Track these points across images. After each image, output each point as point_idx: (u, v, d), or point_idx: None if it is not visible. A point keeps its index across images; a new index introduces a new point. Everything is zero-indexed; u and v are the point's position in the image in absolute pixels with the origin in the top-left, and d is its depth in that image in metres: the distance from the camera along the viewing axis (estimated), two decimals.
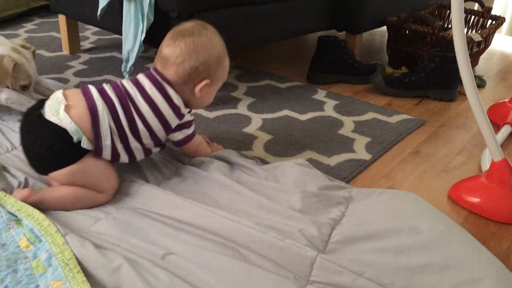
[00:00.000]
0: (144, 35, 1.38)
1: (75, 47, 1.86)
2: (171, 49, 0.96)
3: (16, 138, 1.11)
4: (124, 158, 0.96)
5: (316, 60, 1.75)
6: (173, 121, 0.97)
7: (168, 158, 1.09)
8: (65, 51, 1.85)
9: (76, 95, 0.92)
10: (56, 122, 0.87)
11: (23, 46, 1.26)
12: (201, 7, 1.22)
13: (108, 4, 1.44)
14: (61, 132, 0.87)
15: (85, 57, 1.83)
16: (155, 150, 1.00)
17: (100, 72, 1.69)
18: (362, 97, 1.65)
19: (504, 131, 1.40)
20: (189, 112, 1.01)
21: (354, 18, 1.88)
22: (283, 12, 1.65)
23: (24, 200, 0.87)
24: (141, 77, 0.97)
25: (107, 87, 0.95)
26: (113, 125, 0.91)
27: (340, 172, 1.15)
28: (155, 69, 0.98)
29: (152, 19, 1.36)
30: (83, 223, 0.85)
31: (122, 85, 0.96)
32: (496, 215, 1.03)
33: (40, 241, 0.78)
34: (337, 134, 1.35)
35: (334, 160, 1.20)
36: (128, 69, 1.44)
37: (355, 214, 0.92)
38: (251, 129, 1.35)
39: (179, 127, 1.00)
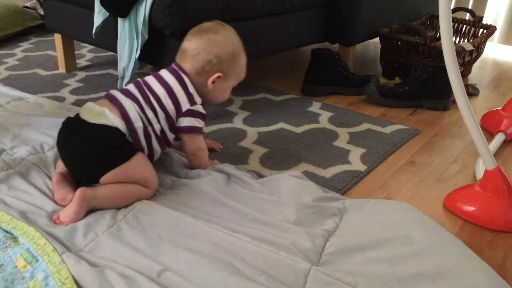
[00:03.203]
0: (139, 52, 1.39)
1: (71, 65, 1.87)
2: (189, 43, 1.07)
3: (11, 160, 1.10)
4: (155, 144, 1.03)
5: (310, 72, 1.76)
6: (184, 105, 1.04)
7: (164, 173, 1.09)
8: (61, 69, 1.86)
9: (104, 101, 1.01)
10: (108, 124, 0.95)
11: None
12: (195, 24, 1.23)
13: (103, 23, 1.46)
14: (115, 130, 0.96)
15: (81, 75, 1.84)
16: (171, 137, 1.07)
17: (96, 89, 1.70)
18: (357, 108, 1.66)
19: (498, 139, 1.41)
20: (201, 105, 1.08)
21: (347, 31, 1.90)
22: (277, 26, 1.67)
23: (83, 194, 0.91)
24: (162, 70, 1.08)
25: (128, 86, 1.05)
26: (138, 110, 1.00)
27: (336, 184, 1.16)
28: (175, 62, 1.09)
29: (146, 36, 1.38)
30: (80, 239, 0.85)
31: (142, 78, 1.07)
32: (491, 224, 1.03)
33: (37, 260, 0.79)
34: (332, 146, 1.36)
35: (329, 172, 1.21)
36: (124, 86, 1.45)
37: (349, 225, 0.93)
38: (247, 143, 1.36)
39: (188, 113, 1.05)
